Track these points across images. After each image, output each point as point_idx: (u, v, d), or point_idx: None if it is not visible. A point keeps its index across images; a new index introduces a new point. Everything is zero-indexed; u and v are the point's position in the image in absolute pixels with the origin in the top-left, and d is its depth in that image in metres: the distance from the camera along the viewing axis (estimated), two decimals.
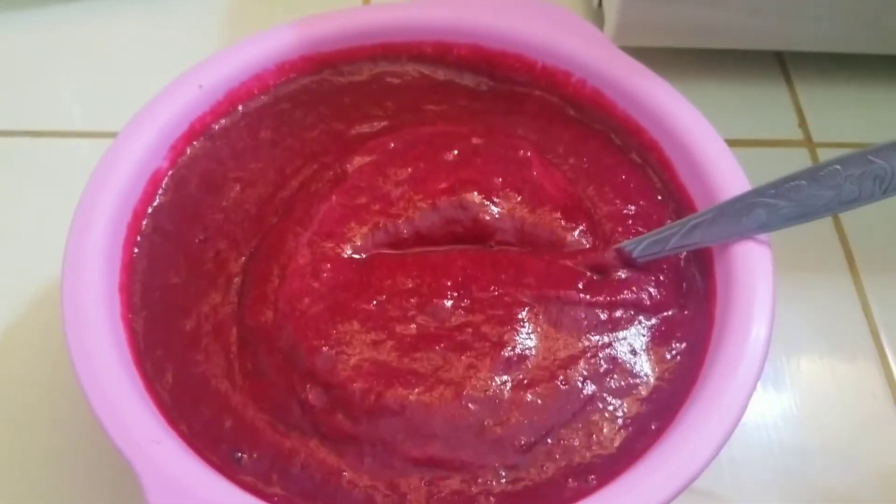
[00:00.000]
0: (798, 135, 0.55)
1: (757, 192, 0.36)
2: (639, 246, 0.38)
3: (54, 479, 0.41)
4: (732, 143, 0.40)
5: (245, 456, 0.33)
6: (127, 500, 0.40)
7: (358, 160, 0.40)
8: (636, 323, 0.36)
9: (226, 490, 0.30)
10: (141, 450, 0.31)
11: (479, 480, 0.33)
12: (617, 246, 0.38)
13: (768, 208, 0.36)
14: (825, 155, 0.54)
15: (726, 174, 0.39)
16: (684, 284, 0.38)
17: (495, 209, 0.39)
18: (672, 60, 0.50)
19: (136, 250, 0.38)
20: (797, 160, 0.53)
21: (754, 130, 0.55)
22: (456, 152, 0.40)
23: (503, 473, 0.33)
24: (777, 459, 0.43)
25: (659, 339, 0.36)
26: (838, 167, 0.35)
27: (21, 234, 0.49)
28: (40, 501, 0.40)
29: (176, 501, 0.29)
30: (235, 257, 0.38)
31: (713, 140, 0.40)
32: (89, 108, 0.55)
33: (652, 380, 0.35)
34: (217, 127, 0.42)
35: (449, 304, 0.36)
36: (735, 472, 0.42)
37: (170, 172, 0.40)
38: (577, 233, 0.39)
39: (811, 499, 0.42)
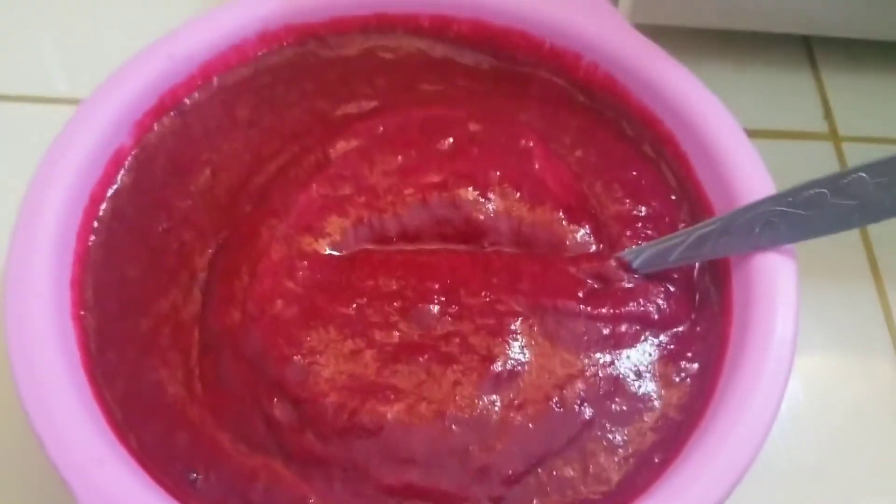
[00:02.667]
0: (822, 127, 0.51)
1: (773, 201, 0.32)
2: (639, 256, 0.34)
3: None
4: (751, 133, 0.37)
5: (201, 477, 0.30)
6: None
7: (342, 145, 0.36)
8: (642, 340, 0.33)
9: None
10: (82, 471, 0.27)
11: None
12: (616, 255, 0.34)
13: (785, 219, 0.32)
14: (850, 150, 0.50)
15: (749, 175, 0.35)
16: (697, 297, 0.34)
17: (491, 207, 0.35)
18: (690, 41, 0.46)
19: (91, 238, 0.34)
20: (820, 155, 0.49)
21: (775, 120, 0.50)
22: (451, 140, 0.37)
23: None
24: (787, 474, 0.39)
25: (667, 359, 0.33)
26: (864, 175, 0.31)
27: None
28: None
29: None
30: (201, 250, 0.34)
31: (736, 136, 0.36)
32: (62, 72, 0.51)
33: (657, 405, 0.32)
34: (189, 102, 0.38)
35: (435, 309, 0.33)
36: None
37: (134, 151, 0.36)
38: (579, 235, 0.35)
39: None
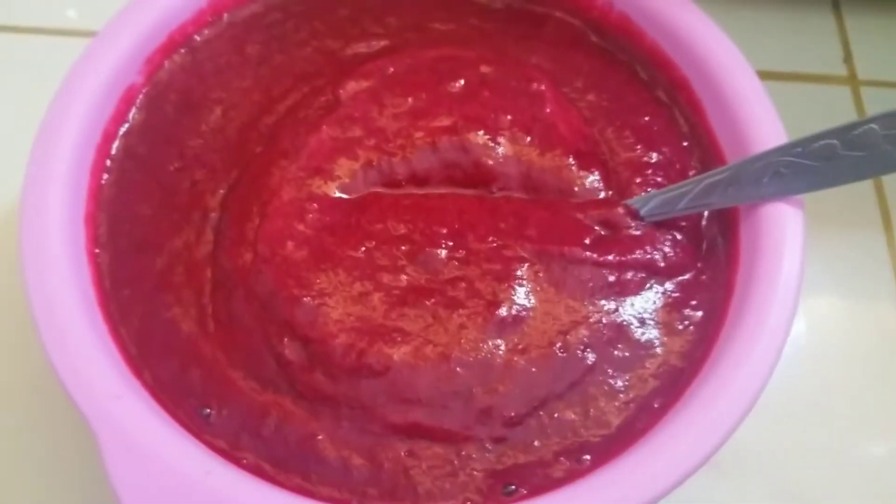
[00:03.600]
0: (842, 70, 0.50)
1: (781, 151, 0.32)
2: (647, 204, 0.34)
3: (6, 426, 0.37)
4: (768, 74, 0.36)
5: (213, 412, 0.30)
6: (84, 456, 0.36)
7: (352, 86, 0.36)
8: (647, 287, 0.33)
9: (191, 457, 0.28)
10: (100, 406, 0.28)
11: (463, 453, 0.30)
12: (624, 202, 0.34)
13: (793, 169, 0.32)
14: (869, 95, 0.49)
15: (762, 124, 0.35)
16: (704, 245, 0.34)
17: (500, 152, 0.35)
18: None
19: (104, 176, 0.34)
20: (838, 99, 0.49)
21: (793, 62, 0.50)
22: (462, 82, 0.36)
23: (489, 447, 0.30)
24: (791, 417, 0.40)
25: (671, 307, 0.33)
26: (875, 126, 0.31)
27: None
28: None
29: (136, 469, 0.27)
30: (213, 189, 0.35)
31: (751, 84, 0.36)
32: (75, 2, 0.50)
33: (660, 352, 0.32)
34: (199, 38, 0.38)
35: (443, 254, 0.33)
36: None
37: (145, 89, 0.36)
38: (589, 181, 0.35)
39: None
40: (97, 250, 0.33)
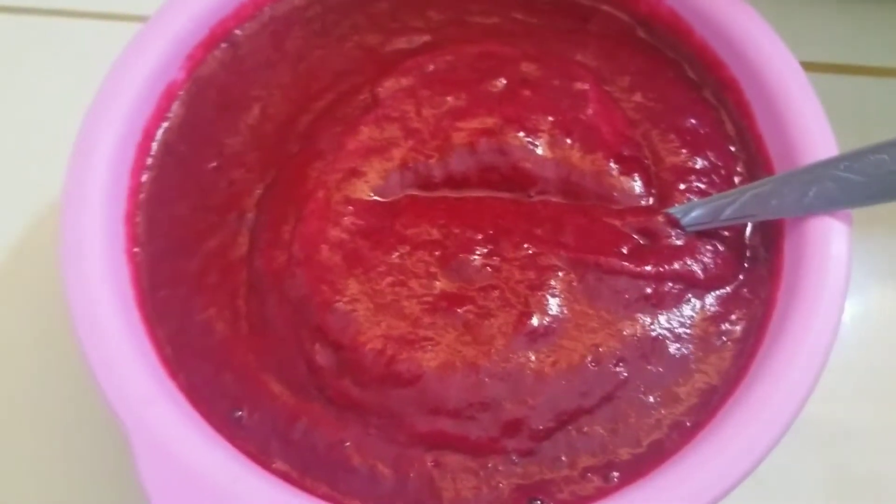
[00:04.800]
0: None
1: (830, 164, 0.31)
2: (689, 213, 0.33)
3: (39, 424, 0.38)
4: (833, 67, 0.35)
5: (245, 415, 0.31)
6: (117, 457, 0.37)
7: (391, 84, 0.36)
8: (685, 300, 0.33)
9: (221, 464, 0.28)
10: (135, 410, 0.29)
11: (490, 466, 0.30)
12: (665, 210, 0.33)
13: (840, 183, 0.31)
14: None
15: (812, 133, 0.33)
16: (747, 258, 0.34)
17: (539, 155, 0.34)
18: None
19: (144, 174, 0.35)
20: None
21: (850, 54, 0.47)
22: (503, 81, 0.36)
23: (516, 460, 0.30)
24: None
25: (709, 322, 0.32)
26: None
27: (34, 131, 0.45)
28: (23, 449, 0.38)
29: (167, 474, 0.28)
30: (250, 189, 0.35)
31: (803, 89, 0.34)
32: None
33: (695, 369, 0.32)
34: (240, 33, 0.38)
35: (476, 261, 0.33)
36: None
37: (186, 86, 0.36)
38: (629, 186, 0.35)
39: None
40: (136, 249, 0.33)
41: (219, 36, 0.37)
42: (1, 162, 0.44)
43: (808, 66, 0.35)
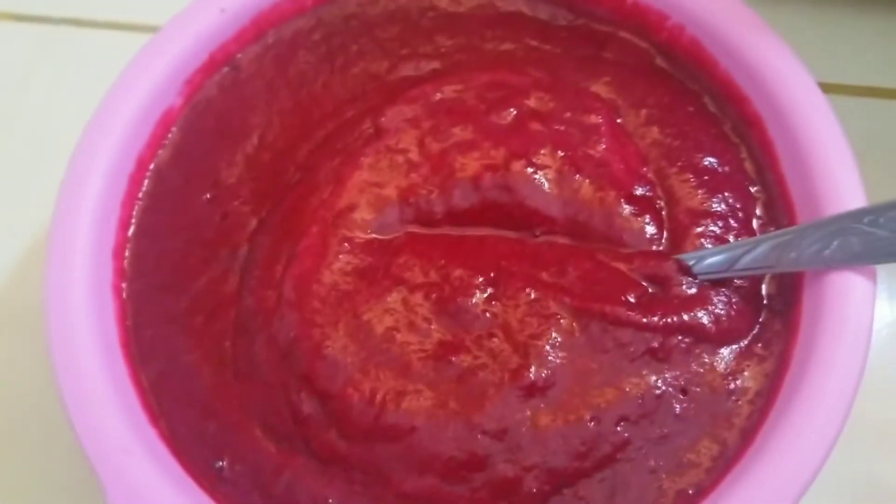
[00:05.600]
0: None
1: (852, 217, 0.29)
2: (702, 261, 0.31)
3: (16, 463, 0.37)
4: (867, 90, 0.32)
5: (226, 466, 0.30)
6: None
7: (394, 113, 0.34)
8: (693, 356, 0.31)
9: None
10: (111, 460, 0.28)
11: None
12: (675, 257, 0.32)
13: (865, 238, 0.29)
14: None
15: (839, 179, 0.31)
16: (762, 311, 0.32)
17: (547, 192, 0.33)
18: None
19: (136, 206, 0.34)
20: None
21: (877, 76, 0.45)
22: (512, 113, 0.34)
23: None
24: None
25: (718, 379, 0.30)
26: None
27: (37, 146, 0.45)
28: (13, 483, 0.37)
29: None
30: (244, 223, 0.34)
31: (831, 129, 0.32)
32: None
33: (701, 431, 0.30)
34: (241, 57, 0.37)
35: (475, 306, 0.31)
36: None
37: (183, 112, 0.35)
38: (640, 228, 0.33)
39: None
40: (123, 285, 0.32)
41: (219, 60, 0.36)
42: (6, 180, 0.44)
43: (835, 88, 0.33)
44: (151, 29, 0.46)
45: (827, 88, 0.33)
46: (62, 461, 0.37)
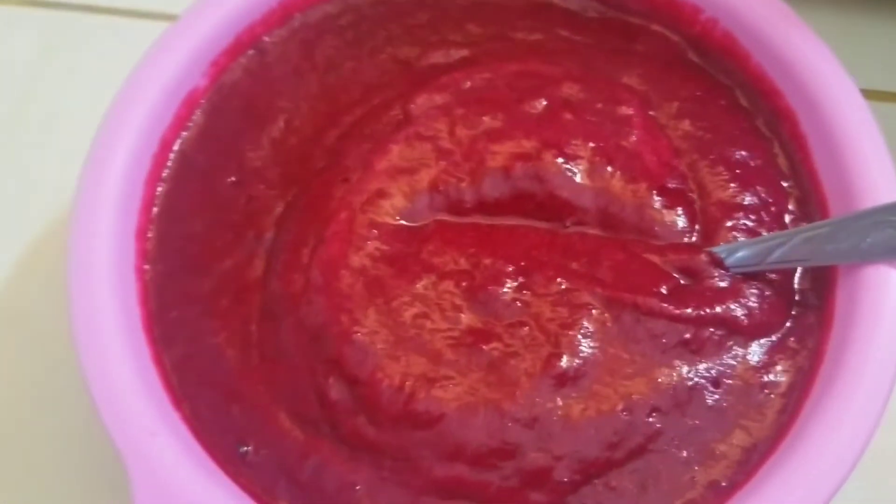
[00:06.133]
0: None
1: (889, 210, 0.29)
2: (734, 254, 0.31)
3: (40, 445, 0.36)
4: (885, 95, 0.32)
5: (251, 450, 0.29)
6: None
7: (424, 100, 0.34)
8: (726, 347, 0.30)
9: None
10: (136, 442, 0.27)
11: None
12: (708, 249, 0.31)
13: None
14: None
15: (873, 173, 0.31)
16: (795, 305, 0.31)
17: (578, 183, 0.32)
18: None
19: (159, 188, 0.33)
20: None
21: None
22: (543, 103, 0.34)
23: None
24: None
25: (751, 372, 0.30)
26: None
27: (55, 132, 0.44)
28: (25, 476, 0.36)
29: None
30: (270, 207, 0.33)
31: (866, 125, 0.32)
32: None
33: (733, 423, 0.29)
34: (268, 40, 0.36)
35: (506, 294, 0.31)
36: None
37: (208, 94, 0.35)
38: (672, 221, 0.32)
39: None
40: (146, 266, 0.32)
41: (246, 42, 0.36)
42: (18, 165, 0.43)
43: (872, 95, 0.32)
44: (167, 17, 0.46)
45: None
46: (85, 445, 0.36)
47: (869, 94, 0.33)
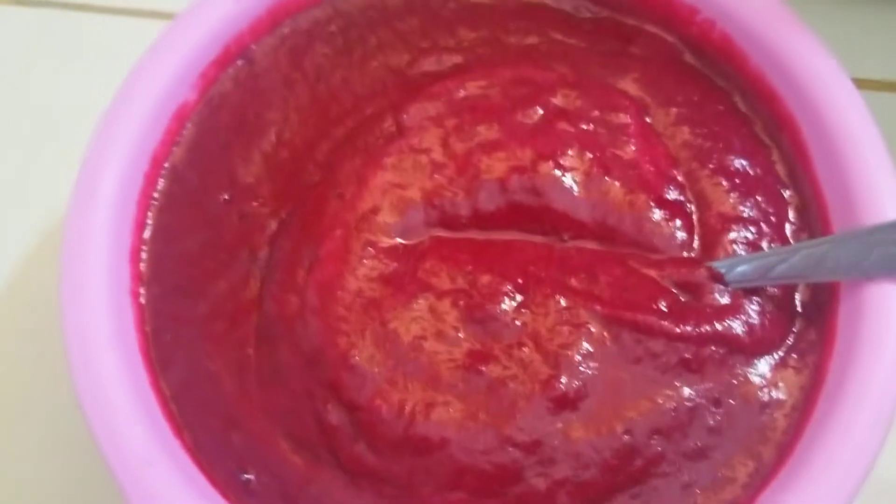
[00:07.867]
0: None
1: (893, 228, 0.28)
2: (734, 269, 0.30)
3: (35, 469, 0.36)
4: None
5: (253, 478, 0.29)
6: None
7: (417, 110, 0.33)
8: (727, 367, 0.30)
9: None
10: (134, 473, 0.27)
11: None
12: (708, 264, 0.31)
13: None
14: None
15: (878, 185, 0.31)
16: (796, 321, 0.31)
17: (575, 196, 0.32)
18: None
19: (151, 206, 0.32)
20: None
21: None
22: (539, 112, 0.33)
23: None
24: None
25: (753, 392, 0.30)
26: None
27: (47, 138, 0.43)
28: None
29: None
30: (263, 225, 0.32)
31: (870, 134, 0.31)
32: None
33: (737, 444, 0.29)
34: (257, 48, 0.35)
35: (504, 314, 0.30)
36: None
37: (198, 108, 0.34)
38: (671, 233, 0.32)
39: None
40: (141, 290, 0.31)
41: (234, 52, 0.35)
42: (8, 173, 0.42)
43: (867, 84, 0.32)
44: (157, 15, 0.45)
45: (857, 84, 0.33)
46: (81, 470, 0.36)
47: (864, 84, 0.33)
